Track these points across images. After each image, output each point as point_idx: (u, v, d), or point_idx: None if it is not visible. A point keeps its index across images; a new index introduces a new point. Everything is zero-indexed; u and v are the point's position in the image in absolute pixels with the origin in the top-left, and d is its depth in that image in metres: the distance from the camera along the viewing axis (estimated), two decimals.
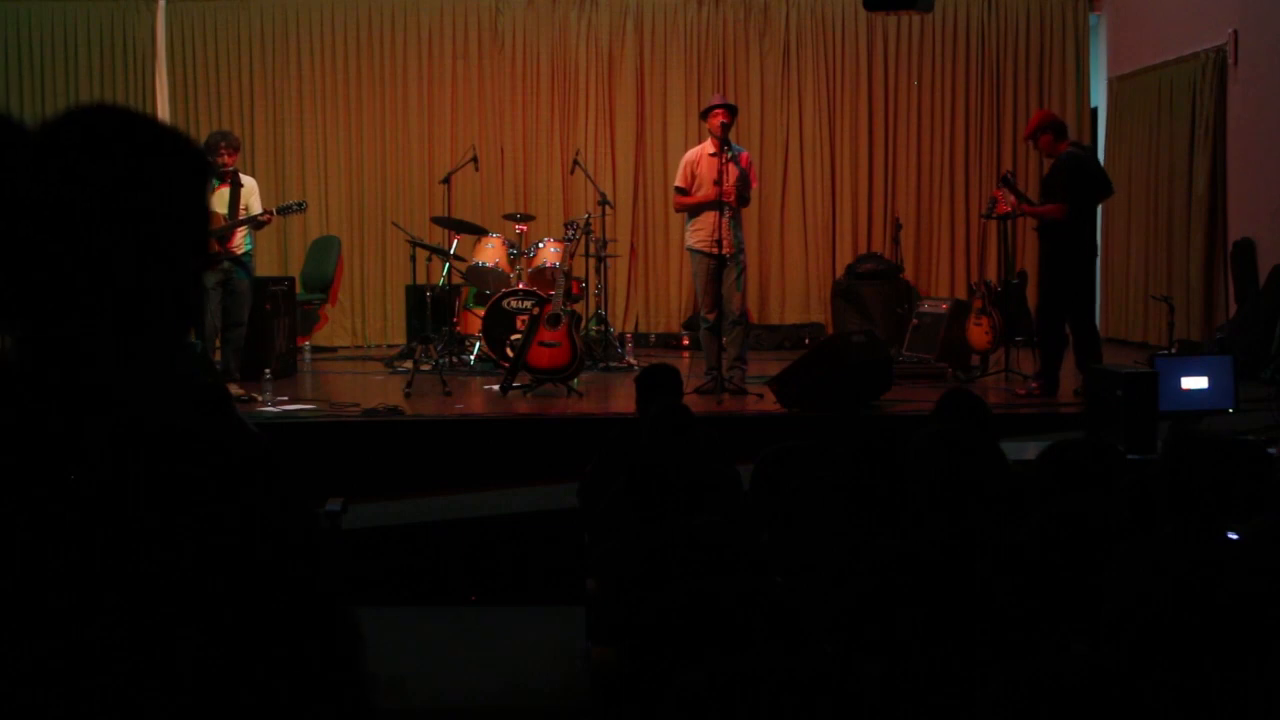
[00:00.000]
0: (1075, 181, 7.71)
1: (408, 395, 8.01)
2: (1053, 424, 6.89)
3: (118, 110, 1.37)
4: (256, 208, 8.25)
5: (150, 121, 1.38)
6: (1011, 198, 8.19)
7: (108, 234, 1.32)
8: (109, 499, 1.25)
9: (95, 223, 1.31)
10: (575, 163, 10.26)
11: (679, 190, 8.14)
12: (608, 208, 10.09)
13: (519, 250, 9.57)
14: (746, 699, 2.34)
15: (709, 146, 8.01)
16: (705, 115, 8.12)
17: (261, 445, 1.39)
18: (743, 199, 8.02)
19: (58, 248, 1.30)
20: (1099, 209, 8.41)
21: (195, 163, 1.38)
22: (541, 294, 8.70)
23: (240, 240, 8.25)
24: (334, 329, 11.32)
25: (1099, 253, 11.78)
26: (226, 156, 8.19)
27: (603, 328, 9.86)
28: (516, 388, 8.17)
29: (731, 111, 7.98)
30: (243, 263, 8.28)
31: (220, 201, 8.17)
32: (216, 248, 8.11)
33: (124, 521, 1.25)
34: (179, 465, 1.29)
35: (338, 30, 11.57)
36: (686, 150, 10.14)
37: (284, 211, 8.43)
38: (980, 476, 3.58)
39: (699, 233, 8.01)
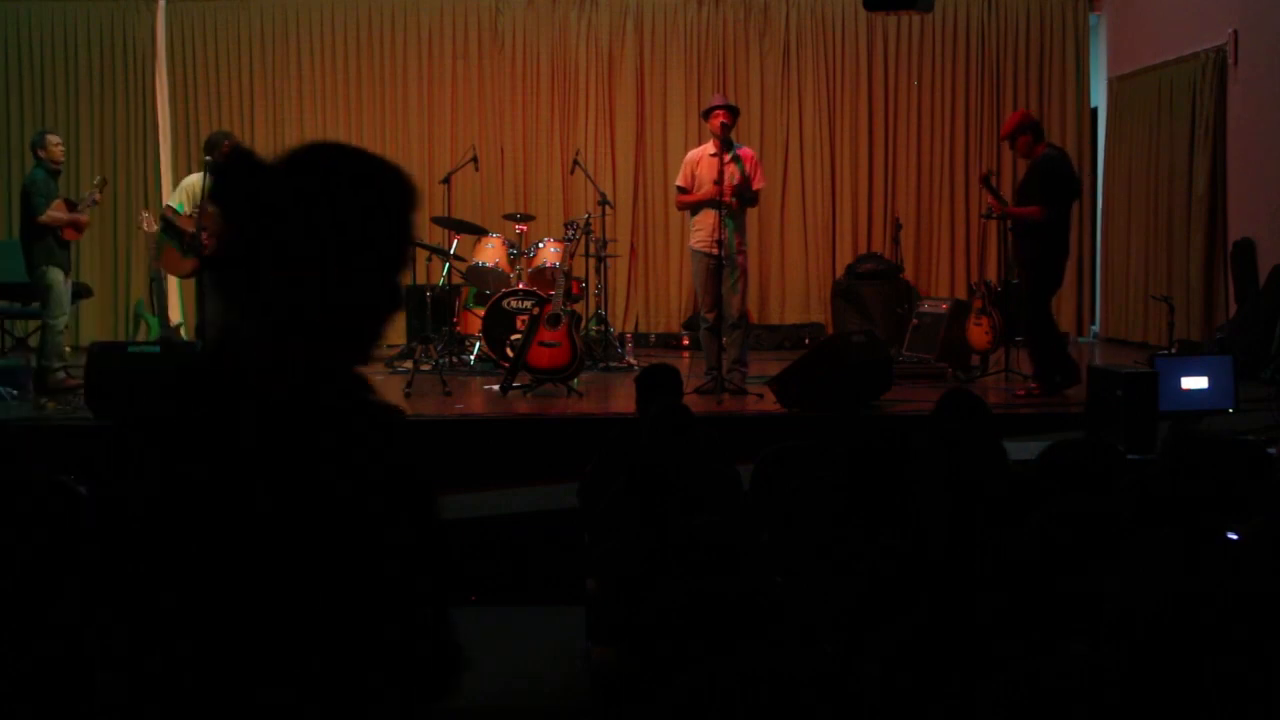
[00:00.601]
0: (1052, 184, 7.73)
1: (408, 395, 8.00)
2: (1053, 424, 6.89)
3: (347, 148, 1.70)
4: None
5: (371, 157, 1.69)
6: (989, 198, 8.22)
7: (334, 245, 1.59)
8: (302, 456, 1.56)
9: (322, 237, 1.59)
10: (575, 163, 10.26)
11: (680, 190, 8.15)
12: (608, 208, 10.09)
13: (519, 250, 9.57)
14: (746, 699, 2.34)
15: (710, 146, 8.01)
16: (706, 115, 8.12)
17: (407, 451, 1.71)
18: (746, 199, 8.00)
19: (293, 258, 1.57)
20: (1081, 209, 8.42)
21: (407, 194, 1.66)
22: (541, 294, 8.69)
23: None
24: None
25: (1097, 253, 11.83)
26: None
27: (603, 328, 9.85)
28: (516, 388, 8.17)
29: (732, 112, 7.97)
30: None
31: None
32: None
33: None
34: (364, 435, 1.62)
35: (338, 30, 11.57)
36: (687, 150, 10.14)
37: None
38: (981, 477, 3.58)
39: (699, 232, 8.02)
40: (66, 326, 8.63)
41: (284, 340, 1.61)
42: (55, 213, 8.23)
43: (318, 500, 1.57)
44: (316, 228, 1.60)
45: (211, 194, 1.70)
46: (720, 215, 7.82)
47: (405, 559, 1.62)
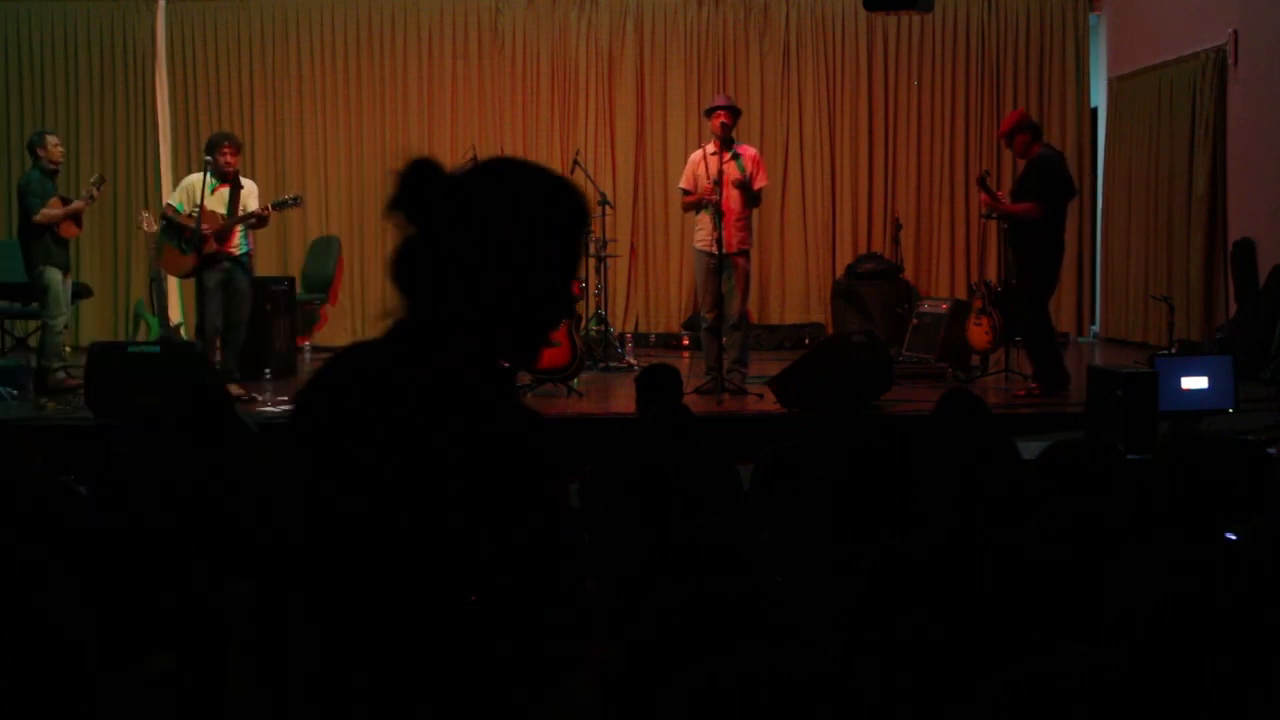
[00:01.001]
0: (1049, 183, 7.74)
1: None
2: (1053, 424, 6.89)
3: (527, 163, 1.84)
4: (254, 210, 8.25)
5: (549, 172, 1.85)
6: (985, 197, 8.22)
7: (509, 251, 1.73)
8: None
9: (499, 243, 1.73)
10: (575, 163, 10.26)
11: (683, 191, 8.15)
12: (608, 208, 10.09)
13: None
14: (746, 699, 2.34)
15: (711, 146, 8.02)
16: (709, 114, 8.13)
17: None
18: (748, 199, 7.99)
19: (470, 261, 1.72)
20: (1081, 209, 8.41)
21: (580, 209, 1.82)
22: None
23: (237, 241, 8.24)
24: (334, 329, 11.31)
25: (1097, 253, 11.83)
26: (229, 156, 8.19)
27: (603, 328, 9.85)
28: (517, 387, 8.15)
29: (733, 113, 7.97)
30: (241, 263, 8.27)
31: (220, 201, 8.16)
32: (214, 246, 8.11)
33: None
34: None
35: (338, 30, 11.57)
36: (687, 150, 10.15)
37: (279, 206, 8.40)
38: (981, 477, 3.58)
39: (699, 232, 8.03)
40: (66, 326, 8.64)
41: (452, 334, 1.73)
42: (50, 210, 8.22)
43: (444, 475, 1.65)
44: (494, 234, 1.73)
45: (394, 198, 1.76)
46: (715, 215, 7.82)
47: (534, 541, 1.70)
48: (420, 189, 1.75)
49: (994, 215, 8.76)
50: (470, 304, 1.73)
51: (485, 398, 1.72)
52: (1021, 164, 8.20)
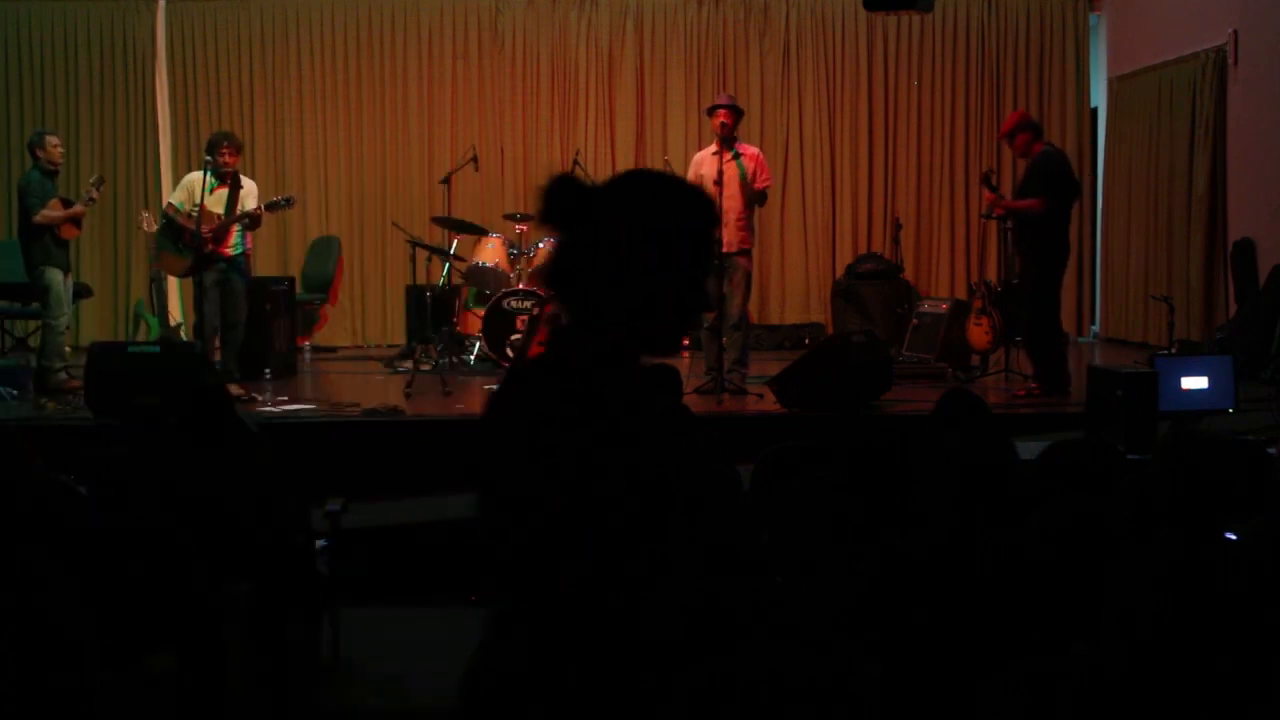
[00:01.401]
0: (1052, 179, 7.73)
1: (408, 395, 8.00)
2: (1053, 424, 6.89)
3: (660, 174, 2.05)
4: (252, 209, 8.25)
5: (680, 181, 2.04)
6: (989, 195, 8.22)
7: (650, 253, 1.91)
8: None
9: (640, 246, 1.91)
10: (575, 163, 10.25)
11: None
12: None
13: (519, 250, 9.57)
14: (747, 699, 2.34)
15: (714, 146, 8.02)
16: (710, 113, 8.13)
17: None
18: (751, 198, 7.99)
19: (615, 264, 1.90)
20: (1081, 209, 8.39)
21: (709, 213, 1.99)
22: (541, 294, 8.69)
23: (233, 241, 8.24)
24: (334, 329, 11.32)
25: (1097, 253, 11.83)
26: (229, 156, 8.19)
27: None
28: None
29: (734, 112, 7.97)
30: (237, 264, 8.27)
31: (218, 201, 8.16)
32: (210, 247, 8.11)
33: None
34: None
35: (338, 30, 11.57)
36: (686, 150, 10.14)
37: (272, 208, 8.39)
38: (981, 477, 3.58)
39: None
40: (68, 326, 8.63)
41: (603, 330, 1.91)
42: (50, 212, 8.22)
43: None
44: (632, 238, 1.91)
45: (541, 212, 1.95)
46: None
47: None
48: (562, 203, 1.94)
49: (992, 215, 8.77)
50: (617, 303, 1.91)
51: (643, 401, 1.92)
52: (1023, 164, 8.20)
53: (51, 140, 8.44)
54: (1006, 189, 9.65)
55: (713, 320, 7.97)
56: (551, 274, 1.96)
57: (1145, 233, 10.83)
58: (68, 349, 8.90)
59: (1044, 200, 7.65)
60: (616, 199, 1.95)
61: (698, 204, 1.98)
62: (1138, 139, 11.09)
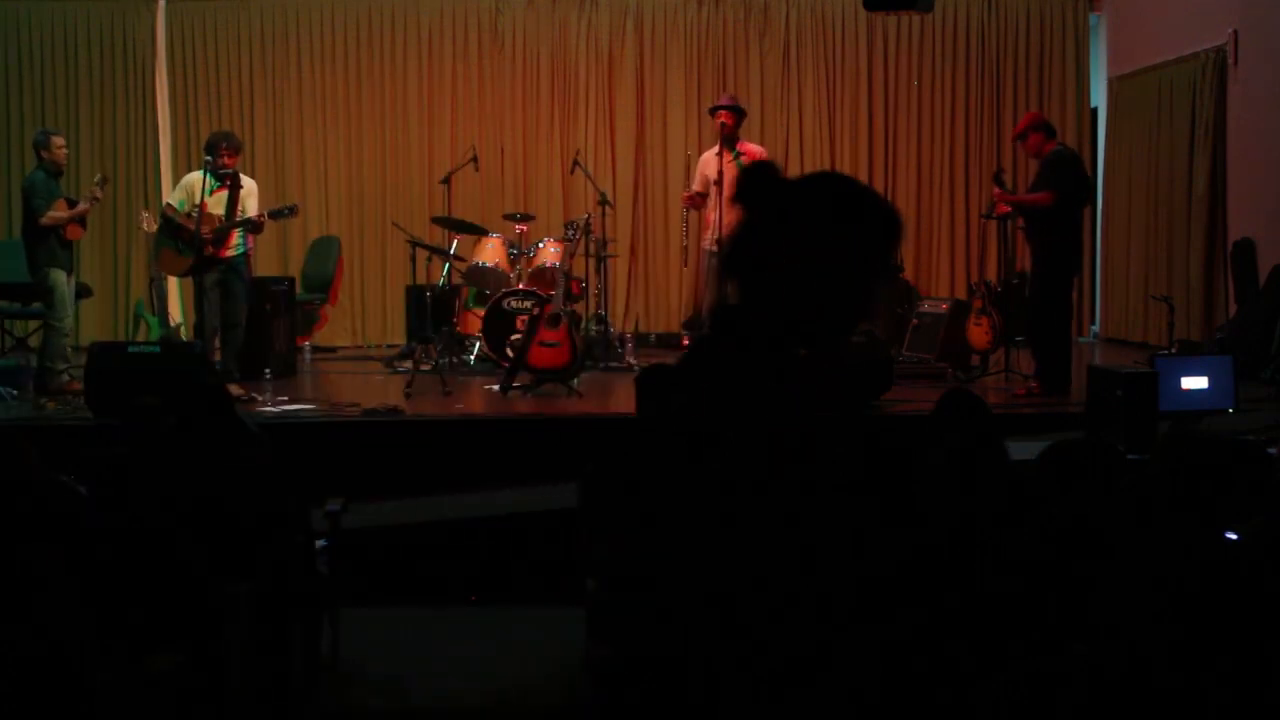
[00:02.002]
0: (1064, 173, 7.74)
1: (408, 395, 8.00)
2: (1053, 424, 6.89)
3: (852, 179, 2.03)
4: (253, 210, 8.24)
5: (869, 190, 2.04)
6: (998, 191, 8.21)
7: (830, 251, 1.94)
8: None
9: (822, 244, 1.94)
10: (575, 163, 10.26)
11: (697, 194, 8.13)
12: (608, 208, 10.08)
13: (519, 250, 9.57)
14: (746, 699, 2.34)
15: (717, 146, 8.03)
16: (712, 114, 8.14)
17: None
18: None
19: (796, 257, 1.94)
20: (1089, 212, 8.38)
21: (895, 223, 2.01)
22: (541, 294, 8.69)
23: (234, 242, 8.24)
24: (334, 329, 11.32)
25: (1097, 253, 11.82)
26: (227, 158, 8.19)
27: (603, 328, 9.85)
28: (516, 388, 8.16)
29: (735, 113, 7.97)
30: (235, 266, 8.27)
31: (218, 203, 8.16)
32: (210, 250, 8.11)
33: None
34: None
35: (338, 30, 11.57)
36: (686, 150, 10.14)
37: (276, 216, 8.39)
38: (981, 477, 3.58)
39: (705, 232, 8.05)
40: (72, 327, 8.62)
41: (770, 320, 1.94)
42: (56, 213, 8.21)
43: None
44: (819, 237, 1.94)
45: (737, 191, 1.98)
46: (719, 213, 7.83)
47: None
48: (759, 187, 1.98)
49: (993, 215, 8.76)
50: (787, 294, 1.94)
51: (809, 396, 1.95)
52: (1033, 166, 8.20)
53: (56, 141, 8.43)
54: (1019, 189, 9.63)
55: None
56: (729, 254, 2.00)
57: (1145, 233, 10.83)
58: (69, 349, 8.89)
59: (1054, 195, 7.65)
60: (809, 195, 2.00)
61: (885, 216, 2.01)
62: (1138, 139, 11.08)
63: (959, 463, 3.77)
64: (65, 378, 8.20)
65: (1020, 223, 8.36)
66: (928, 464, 3.70)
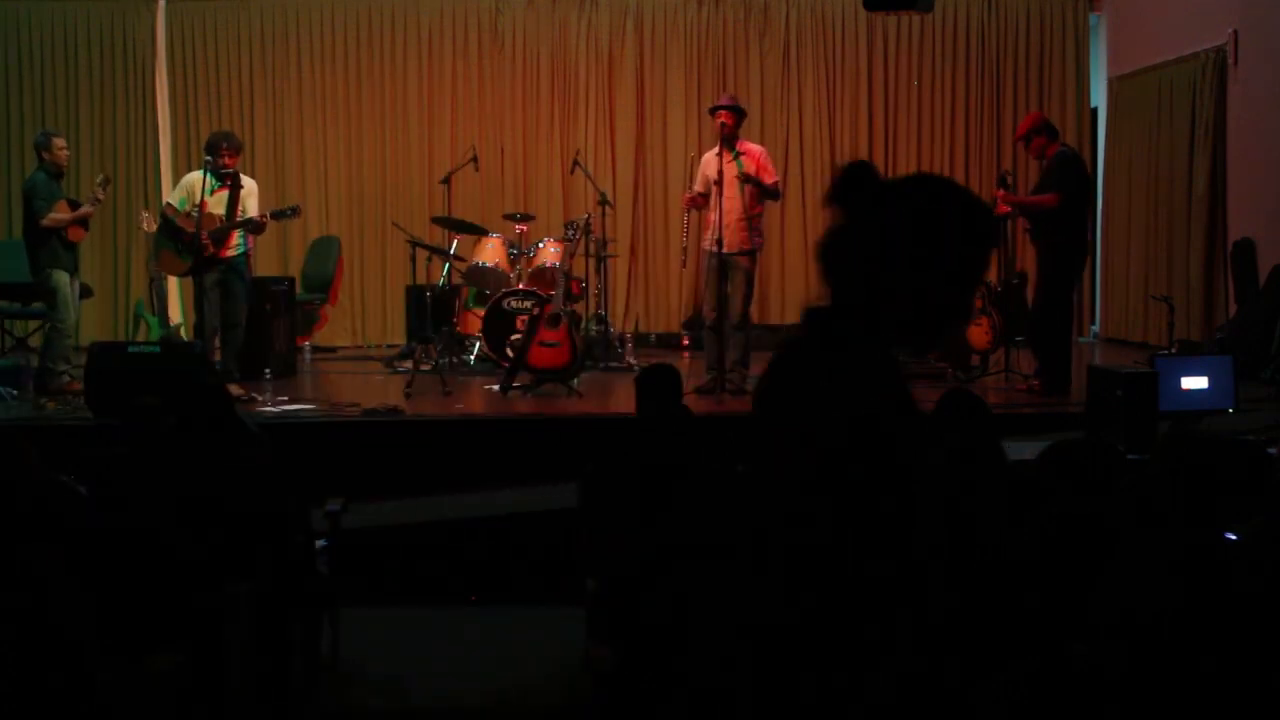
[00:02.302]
0: (1069, 176, 7.75)
1: (408, 395, 8.00)
2: (1053, 424, 6.89)
3: (954, 183, 2.05)
4: (253, 210, 8.24)
5: (970, 194, 2.04)
6: (1000, 192, 8.21)
7: (927, 254, 1.95)
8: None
9: (919, 246, 1.95)
10: (575, 163, 10.26)
11: (699, 195, 8.12)
12: (608, 208, 10.08)
13: (519, 250, 9.57)
14: (746, 699, 2.34)
15: (717, 146, 8.02)
16: (712, 114, 8.13)
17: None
18: (765, 194, 7.98)
19: (892, 257, 1.95)
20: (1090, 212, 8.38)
21: (991, 230, 2.05)
22: (541, 294, 8.70)
23: (235, 242, 8.24)
24: (334, 329, 11.32)
25: (1098, 253, 11.83)
26: (228, 158, 8.18)
27: (603, 328, 9.85)
28: (516, 388, 8.16)
29: (735, 112, 7.96)
30: (236, 266, 8.27)
31: (219, 203, 8.16)
32: (210, 250, 8.11)
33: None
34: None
35: (338, 30, 11.57)
36: (687, 150, 10.12)
37: (278, 216, 8.40)
38: (981, 477, 3.58)
39: (705, 232, 8.04)
40: (75, 328, 8.61)
41: (860, 321, 1.95)
42: (58, 214, 8.21)
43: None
44: (916, 237, 1.94)
45: (831, 191, 2.01)
46: (719, 214, 7.81)
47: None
48: (854, 187, 2.00)
49: (1000, 216, 8.75)
50: (881, 293, 1.95)
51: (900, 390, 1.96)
52: (1035, 167, 8.21)
53: (58, 142, 8.42)
54: (1021, 191, 9.63)
55: (714, 320, 7.97)
56: (824, 252, 2.01)
57: (1145, 233, 10.83)
58: (70, 350, 8.89)
59: (1059, 196, 7.66)
60: (907, 196, 2.00)
61: (982, 220, 2.01)
62: (1138, 139, 11.08)
63: (959, 463, 3.77)
64: (65, 378, 8.20)
65: (1024, 224, 8.36)
66: (928, 464, 3.70)
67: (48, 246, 8.20)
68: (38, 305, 8.83)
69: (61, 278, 8.23)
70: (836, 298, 1.97)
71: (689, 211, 8.27)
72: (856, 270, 1.96)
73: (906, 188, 2.03)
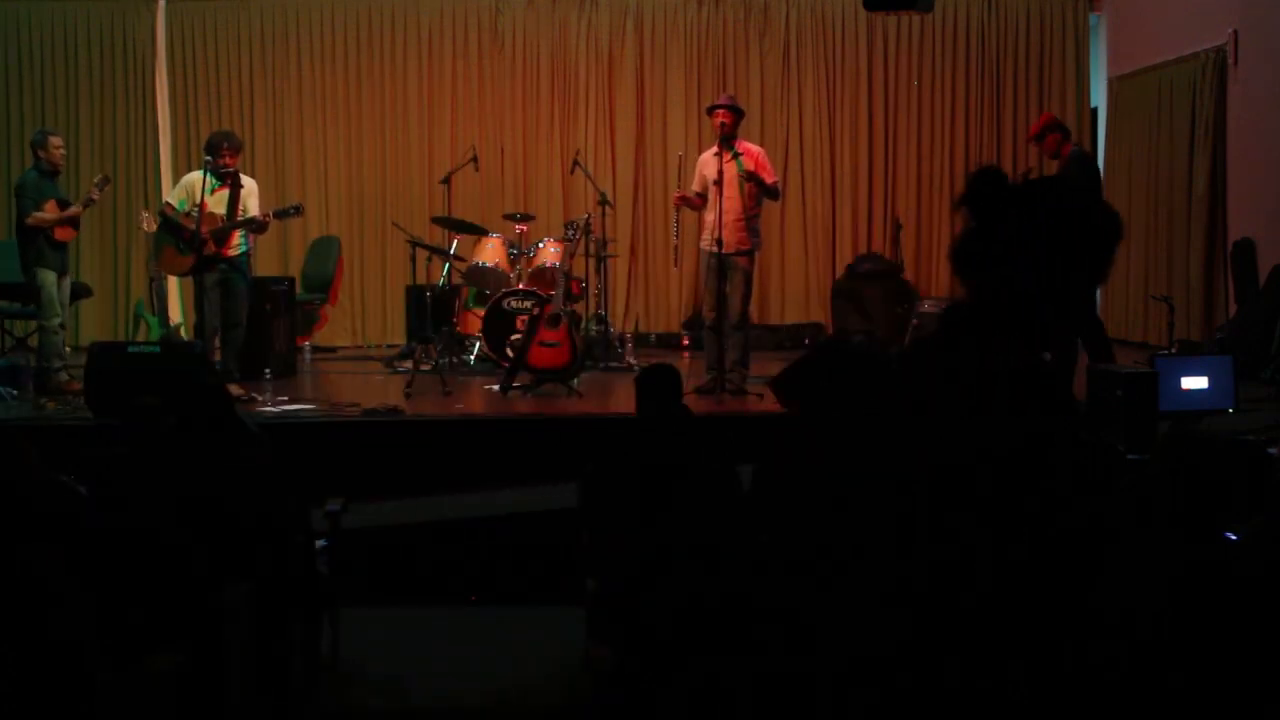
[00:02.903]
0: (1087, 172, 7.78)
1: (408, 395, 8.00)
2: None
3: (1073, 185, 2.06)
4: (254, 209, 8.24)
5: (1098, 200, 2.11)
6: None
7: (1052, 256, 2.01)
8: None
9: (1044, 248, 2.02)
10: (575, 163, 10.26)
11: (697, 195, 8.12)
12: (608, 208, 10.09)
13: (519, 250, 9.57)
14: (746, 699, 2.34)
15: (715, 146, 8.02)
16: (710, 113, 8.13)
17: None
18: (766, 194, 7.97)
19: (1017, 258, 2.01)
20: None
21: (1116, 234, 2.07)
22: (541, 294, 8.70)
23: (236, 242, 8.25)
24: (334, 329, 11.32)
25: None
26: (228, 157, 8.18)
27: (603, 328, 9.85)
28: (516, 388, 8.16)
29: (733, 112, 7.96)
30: (238, 265, 8.28)
31: (219, 202, 8.16)
32: (212, 249, 8.11)
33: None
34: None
35: (338, 30, 11.57)
36: (687, 150, 10.10)
37: (280, 215, 8.40)
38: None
39: (702, 231, 8.04)
40: (64, 326, 8.60)
41: (998, 321, 2.02)
42: (42, 214, 8.20)
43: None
44: (1042, 241, 2.01)
45: (964, 195, 2.07)
46: (719, 214, 7.81)
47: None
48: (987, 192, 2.06)
49: None
50: (1008, 293, 2.01)
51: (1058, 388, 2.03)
52: (1045, 165, 8.22)
53: (54, 141, 8.42)
54: None
55: (713, 320, 7.97)
56: (955, 254, 2.09)
57: (1145, 233, 10.83)
58: (68, 349, 8.89)
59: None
60: (1035, 201, 2.08)
61: (1108, 219, 2.07)
62: (1138, 139, 11.08)
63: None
64: (64, 376, 8.19)
65: None
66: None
67: (34, 245, 8.20)
68: (32, 306, 8.84)
69: (47, 276, 8.22)
70: (968, 296, 2.05)
71: (679, 210, 8.26)
72: (990, 272, 2.03)
73: (1036, 190, 2.13)
